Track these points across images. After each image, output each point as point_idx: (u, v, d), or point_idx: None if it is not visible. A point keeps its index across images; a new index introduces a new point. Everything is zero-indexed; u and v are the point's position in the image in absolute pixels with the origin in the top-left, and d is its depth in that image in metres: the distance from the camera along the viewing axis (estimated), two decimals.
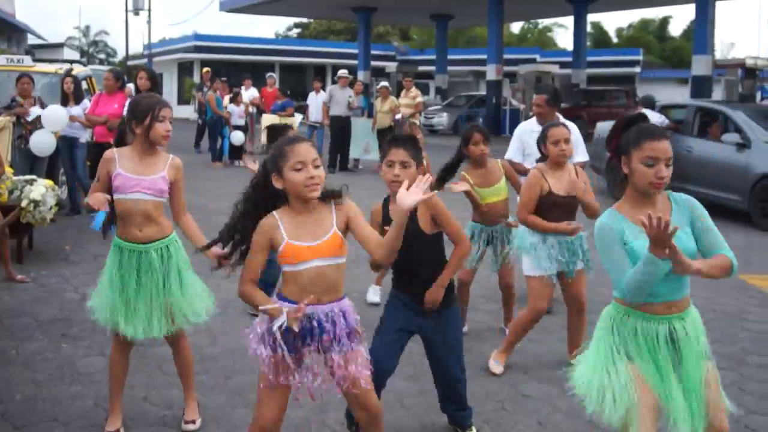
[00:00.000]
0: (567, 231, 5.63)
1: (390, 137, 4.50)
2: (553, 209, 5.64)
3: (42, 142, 10.54)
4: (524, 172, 6.61)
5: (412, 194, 3.38)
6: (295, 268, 3.61)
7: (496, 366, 5.87)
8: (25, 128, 10.87)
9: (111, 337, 4.69)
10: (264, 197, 3.73)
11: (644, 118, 3.69)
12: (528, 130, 7.38)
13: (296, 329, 3.49)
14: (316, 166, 3.57)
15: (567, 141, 5.65)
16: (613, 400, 3.44)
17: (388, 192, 4.44)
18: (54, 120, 10.64)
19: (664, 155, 3.41)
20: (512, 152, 7.47)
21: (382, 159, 4.55)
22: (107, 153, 4.58)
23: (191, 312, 4.63)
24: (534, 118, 7.47)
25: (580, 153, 7.01)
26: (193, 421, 4.77)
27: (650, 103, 17.01)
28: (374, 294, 7.54)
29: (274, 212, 3.67)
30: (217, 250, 3.97)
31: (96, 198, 4.40)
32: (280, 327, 3.50)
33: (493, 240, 6.50)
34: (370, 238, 3.68)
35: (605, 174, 14.86)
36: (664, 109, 14.94)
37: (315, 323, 3.62)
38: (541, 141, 5.77)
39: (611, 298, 3.65)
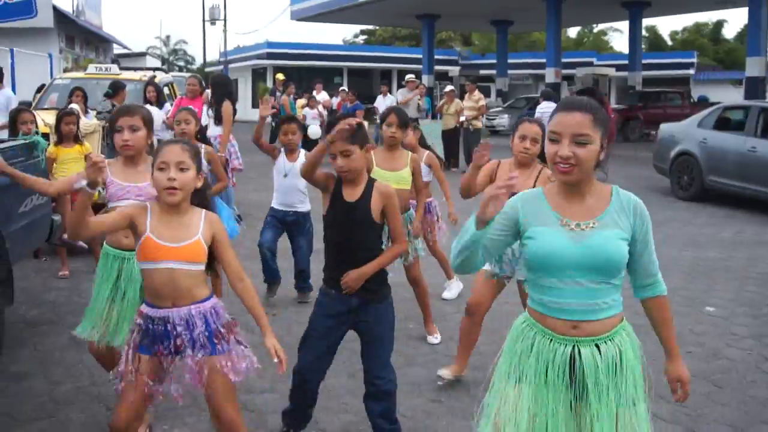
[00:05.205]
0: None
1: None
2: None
3: None
4: None
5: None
6: (148, 266, 3.40)
7: (443, 371, 5.36)
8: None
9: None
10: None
11: (591, 92, 3.06)
12: None
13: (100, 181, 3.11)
14: (181, 169, 3.35)
15: (535, 141, 5.05)
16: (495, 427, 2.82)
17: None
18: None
19: (568, 130, 2.68)
20: None
21: (514, 133, 4.53)
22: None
23: None
24: None
25: None
26: None
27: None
28: None
29: (155, 204, 3.47)
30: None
31: None
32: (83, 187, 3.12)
33: None
34: (231, 266, 3.53)
35: (669, 174, 14.67)
36: (727, 111, 14.52)
37: (170, 327, 3.39)
38: (512, 133, 5.26)
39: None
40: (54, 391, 5.15)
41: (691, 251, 9.75)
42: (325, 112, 21.86)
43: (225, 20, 51.88)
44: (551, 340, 2.75)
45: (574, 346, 2.72)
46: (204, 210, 3.51)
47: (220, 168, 6.52)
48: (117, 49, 43.61)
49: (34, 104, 14.09)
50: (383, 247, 4.30)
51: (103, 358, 4.45)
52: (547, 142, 2.75)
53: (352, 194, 4.05)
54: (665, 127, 15.60)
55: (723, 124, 13.92)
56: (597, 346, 2.72)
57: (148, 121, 4.37)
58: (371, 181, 4.10)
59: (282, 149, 7.13)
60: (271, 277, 7.31)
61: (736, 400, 5.09)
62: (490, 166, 5.35)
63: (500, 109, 35.65)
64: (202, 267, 3.45)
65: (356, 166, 3.99)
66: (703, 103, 31.80)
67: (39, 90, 15.67)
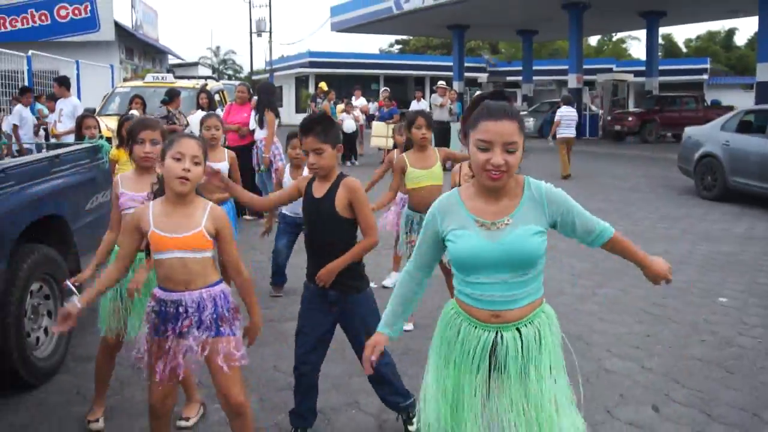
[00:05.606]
0: None
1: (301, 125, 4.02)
2: None
3: None
4: None
5: None
6: (159, 256, 3.36)
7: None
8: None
9: (100, 340, 4.56)
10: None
11: (500, 95, 2.88)
12: None
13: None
14: (196, 163, 3.35)
15: None
16: (424, 409, 2.87)
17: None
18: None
19: (500, 139, 2.59)
20: None
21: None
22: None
23: None
24: None
25: None
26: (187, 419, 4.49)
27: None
28: (390, 280, 7.38)
29: (156, 200, 3.47)
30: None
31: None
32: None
33: None
34: (231, 260, 3.51)
35: (693, 175, 14.48)
36: (749, 113, 14.16)
37: (182, 309, 3.36)
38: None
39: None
40: (118, 372, 5.21)
41: (706, 246, 9.65)
42: (362, 116, 21.95)
43: (270, 32, 52.17)
44: (476, 327, 2.73)
45: (497, 332, 2.70)
46: (210, 203, 3.47)
47: (238, 173, 6.51)
48: (172, 60, 43.98)
49: (97, 110, 14.30)
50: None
51: (113, 353, 4.52)
52: (475, 150, 2.63)
53: (320, 190, 3.96)
54: (689, 131, 15.30)
55: (745, 127, 13.67)
56: (518, 329, 2.70)
57: (166, 136, 4.39)
58: (340, 177, 3.97)
59: (287, 165, 6.92)
60: (281, 279, 7.28)
61: (747, 385, 5.05)
62: (455, 169, 5.28)
63: (525, 112, 35.51)
64: (209, 254, 3.41)
65: (326, 163, 3.90)
66: (716, 106, 31.44)
67: (104, 98, 15.90)
